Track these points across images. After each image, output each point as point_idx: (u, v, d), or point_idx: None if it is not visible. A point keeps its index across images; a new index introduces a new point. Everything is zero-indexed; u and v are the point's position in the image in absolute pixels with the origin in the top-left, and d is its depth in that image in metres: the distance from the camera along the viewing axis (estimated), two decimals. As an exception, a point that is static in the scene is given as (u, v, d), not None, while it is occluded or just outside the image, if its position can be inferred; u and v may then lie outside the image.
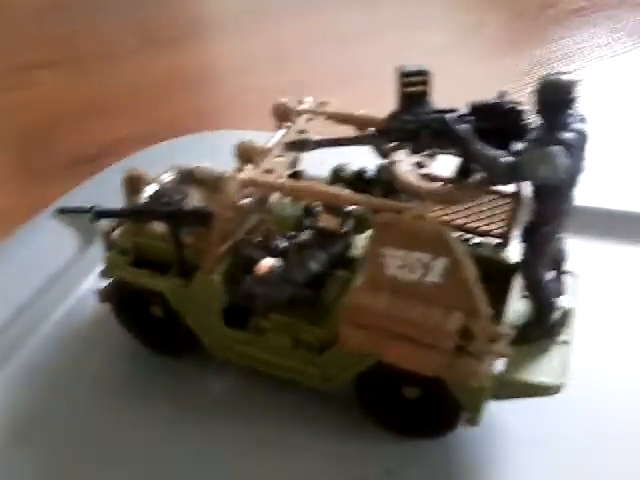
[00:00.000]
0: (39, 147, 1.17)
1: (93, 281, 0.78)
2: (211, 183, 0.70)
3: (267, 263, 0.59)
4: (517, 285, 0.59)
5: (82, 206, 0.62)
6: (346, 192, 0.54)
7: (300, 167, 0.67)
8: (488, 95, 0.53)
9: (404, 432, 0.62)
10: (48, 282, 0.80)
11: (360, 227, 0.62)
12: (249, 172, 0.56)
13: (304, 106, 0.66)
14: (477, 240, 0.67)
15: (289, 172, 0.65)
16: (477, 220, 0.67)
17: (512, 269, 0.60)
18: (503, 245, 0.64)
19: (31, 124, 1.23)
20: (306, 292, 0.62)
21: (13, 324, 0.74)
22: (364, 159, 0.63)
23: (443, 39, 1.50)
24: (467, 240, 0.68)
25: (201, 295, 0.63)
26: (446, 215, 0.68)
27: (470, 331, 0.51)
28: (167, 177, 0.72)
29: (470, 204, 0.66)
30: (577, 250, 0.62)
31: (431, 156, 0.57)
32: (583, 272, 0.64)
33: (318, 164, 0.65)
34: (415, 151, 0.54)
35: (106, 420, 0.65)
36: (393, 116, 0.53)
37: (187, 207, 0.61)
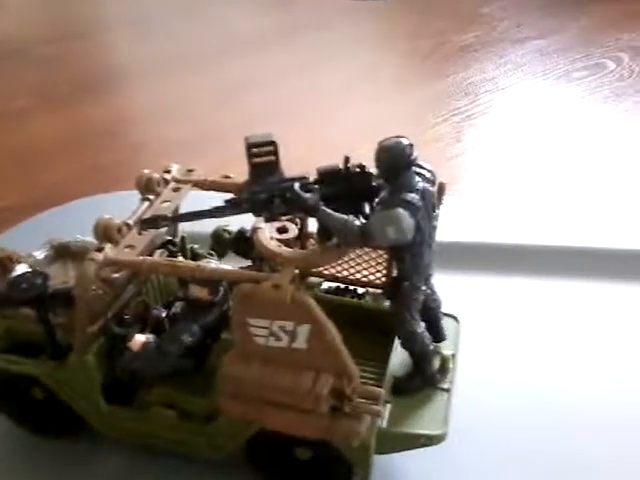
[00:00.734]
0: None
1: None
2: (82, 258, 0.68)
3: (139, 339, 0.58)
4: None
5: None
6: (205, 266, 0.53)
7: (171, 235, 0.66)
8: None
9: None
10: None
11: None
12: (108, 251, 0.55)
13: (170, 175, 0.66)
14: (360, 291, 0.69)
15: (163, 241, 0.65)
16: (359, 271, 0.69)
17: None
18: (385, 295, 0.66)
19: None
20: (186, 363, 0.61)
21: None
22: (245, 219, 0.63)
23: (338, 81, 1.54)
24: (351, 291, 0.70)
25: (77, 376, 0.61)
26: (328, 267, 0.69)
27: (343, 392, 0.52)
28: (40, 254, 0.70)
29: (352, 256, 0.67)
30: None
31: (292, 221, 0.58)
32: (465, 312, 0.67)
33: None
34: (269, 219, 0.54)
35: None
36: (244, 187, 0.54)
37: (49, 290, 0.59)
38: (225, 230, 0.69)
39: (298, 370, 0.52)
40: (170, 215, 0.57)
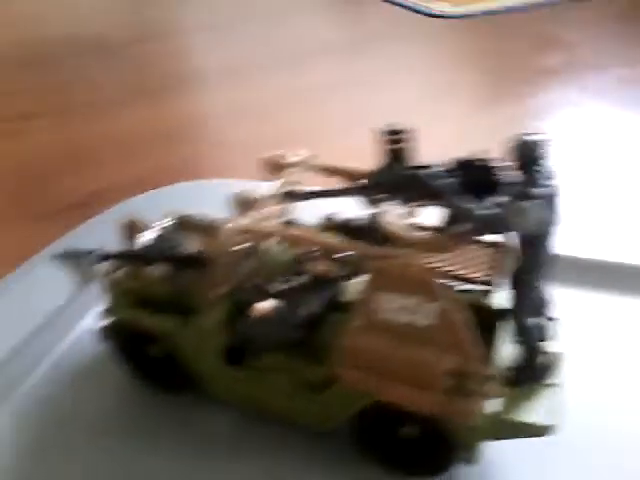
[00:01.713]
0: (30, 194, 1.19)
1: (90, 321, 0.80)
2: (205, 230, 0.73)
3: (265, 305, 0.62)
4: (503, 330, 0.63)
5: (84, 249, 0.65)
6: (337, 240, 0.57)
7: (292, 216, 0.70)
8: (459, 153, 0.58)
9: (402, 470, 0.64)
10: (45, 322, 0.81)
11: (352, 272, 0.66)
12: (244, 220, 0.60)
13: (294, 159, 0.70)
14: (464, 287, 0.72)
15: (282, 221, 0.69)
16: (464, 268, 0.71)
17: (497, 314, 0.63)
18: (488, 292, 0.68)
19: (22, 172, 1.26)
20: (301, 333, 0.65)
21: (10, 363, 0.74)
22: (352, 209, 0.67)
23: (414, 98, 1.58)
24: (455, 287, 0.72)
25: (201, 336, 0.65)
26: (435, 263, 0.72)
27: (462, 372, 0.55)
28: (163, 223, 0.75)
29: (457, 253, 0.70)
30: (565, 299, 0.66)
31: (418, 207, 0.61)
32: (574, 320, 0.68)
33: (308, 213, 0.69)
34: (401, 203, 0.58)
35: (108, 458, 0.65)
36: (378, 171, 0.58)
37: (184, 252, 0.64)
38: (334, 218, 0.73)
39: (421, 346, 0.55)
40: (306, 191, 0.61)
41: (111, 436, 0.68)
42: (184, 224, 0.75)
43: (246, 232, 0.60)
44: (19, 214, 1.13)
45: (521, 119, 1.46)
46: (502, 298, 0.64)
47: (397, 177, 0.54)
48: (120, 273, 0.71)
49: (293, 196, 0.59)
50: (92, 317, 0.81)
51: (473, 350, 0.55)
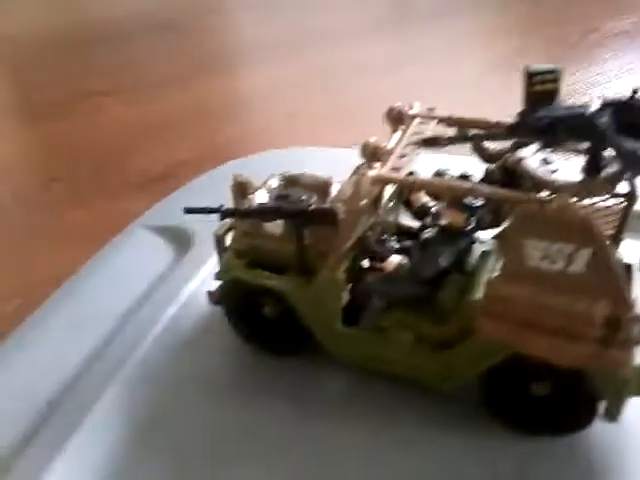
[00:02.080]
0: (110, 168, 1.20)
1: (194, 287, 0.80)
2: (317, 188, 0.72)
3: (393, 260, 0.60)
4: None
5: (208, 206, 0.63)
6: (481, 187, 0.55)
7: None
8: None
9: (533, 430, 0.62)
10: (148, 290, 0.81)
11: (485, 223, 0.64)
12: (380, 170, 0.58)
13: (415, 110, 0.68)
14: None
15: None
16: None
17: (626, 267, 0.60)
18: (615, 244, 0.65)
19: (100, 147, 1.27)
20: (425, 290, 0.63)
21: (120, 333, 0.74)
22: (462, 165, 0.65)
23: (480, 65, 1.54)
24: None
25: (323, 294, 0.63)
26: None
27: (615, 320, 0.52)
28: (273, 183, 0.74)
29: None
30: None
31: (555, 153, 0.58)
32: None
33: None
34: (545, 147, 0.55)
35: (223, 421, 0.65)
36: (523, 114, 0.55)
37: (313, 207, 0.62)
38: (445, 173, 0.70)
39: (573, 294, 0.53)
40: (448, 137, 0.59)
41: (225, 399, 0.67)
42: (294, 184, 0.73)
43: (383, 182, 0.58)
44: (102, 190, 1.14)
45: (594, 84, 1.41)
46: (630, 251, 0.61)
47: (549, 117, 0.52)
48: (235, 233, 0.70)
49: (435, 142, 0.57)
50: (195, 283, 0.81)
51: (628, 297, 0.52)
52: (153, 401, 0.67)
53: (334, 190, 0.70)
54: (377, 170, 0.58)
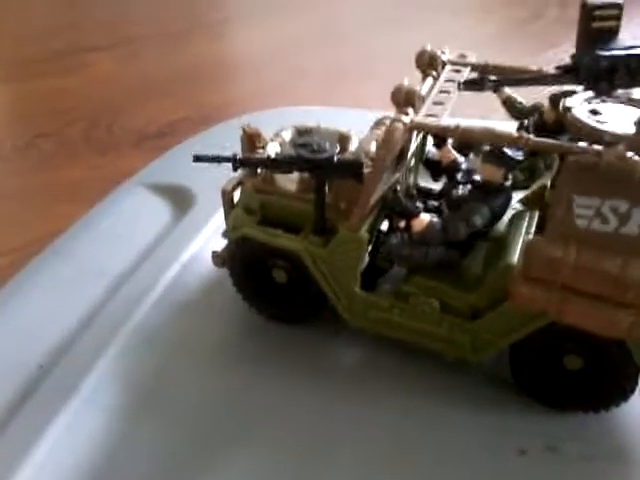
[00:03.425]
0: (104, 125, 1.13)
1: (196, 248, 0.74)
2: (336, 142, 0.65)
3: (424, 218, 0.55)
4: None
5: (220, 155, 0.57)
6: (529, 136, 0.49)
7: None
8: None
9: (564, 405, 0.57)
10: (146, 250, 0.75)
11: (518, 183, 0.59)
12: (414, 117, 0.52)
13: (447, 57, 0.62)
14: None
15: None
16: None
17: None
18: None
19: (93, 104, 1.19)
20: (454, 255, 0.58)
21: (115, 294, 0.68)
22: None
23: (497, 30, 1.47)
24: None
25: (342, 254, 0.58)
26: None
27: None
28: (286, 136, 0.68)
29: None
30: None
31: (605, 102, 0.53)
32: None
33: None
34: (600, 93, 0.50)
35: (225, 388, 0.60)
36: (579, 54, 0.49)
37: (338, 157, 0.56)
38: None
39: (626, 258, 0.48)
40: (492, 78, 0.53)
41: (228, 367, 0.62)
42: (309, 136, 0.67)
43: (419, 129, 0.53)
44: (94, 148, 1.07)
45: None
46: None
47: (609, 57, 0.46)
48: (245, 189, 0.64)
49: (480, 84, 0.51)
50: (196, 245, 0.75)
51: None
52: (151, 366, 0.61)
53: (353, 145, 0.64)
54: (412, 117, 0.52)
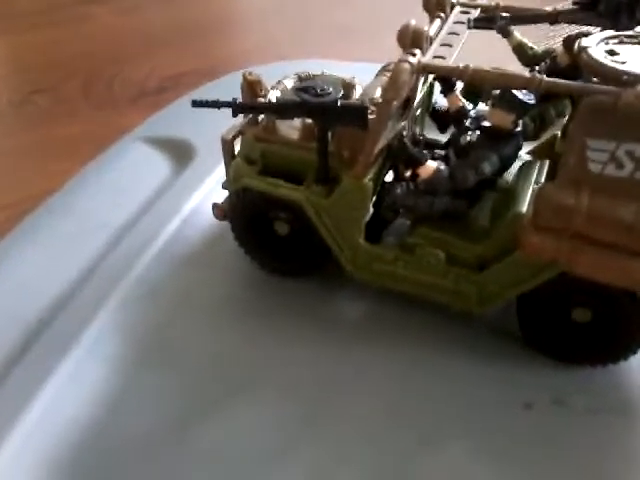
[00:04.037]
0: (104, 79, 1.10)
1: (196, 201, 0.72)
2: (343, 84, 0.63)
3: (431, 165, 0.53)
4: None
5: (219, 100, 0.55)
6: (542, 77, 0.47)
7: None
8: None
9: (572, 359, 0.56)
10: (146, 203, 0.73)
11: (528, 132, 0.56)
12: (421, 58, 0.49)
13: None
14: None
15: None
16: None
17: None
18: None
19: (93, 57, 1.16)
20: (460, 205, 0.56)
21: (115, 248, 0.67)
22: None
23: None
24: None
25: (347, 203, 0.56)
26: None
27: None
28: (288, 83, 0.65)
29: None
30: None
31: (621, 43, 0.50)
32: None
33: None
34: (620, 28, 0.47)
35: (226, 343, 0.59)
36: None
37: (342, 102, 0.53)
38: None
39: (640, 204, 0.46)
40: (505, 15, 0.51)
41: (230, 320, 0.61)
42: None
43: (426, 71, 0.50)
44: (91, 103, 1.05)
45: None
46: None
47: None
48: (245, 139, 0.62)
49: (491, 21, 0.48)
50: (200, 195, 0.73)
51: None
52: (152, 318, 0.60)
53: (358, 92, 0.62)
54: (419, 58, 0.49)
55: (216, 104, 0.54)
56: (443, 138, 0.65)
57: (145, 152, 0.81)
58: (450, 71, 0.49)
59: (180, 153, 0.80)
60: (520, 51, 0.64)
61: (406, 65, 0.48)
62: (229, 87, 0.96)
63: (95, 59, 1.17)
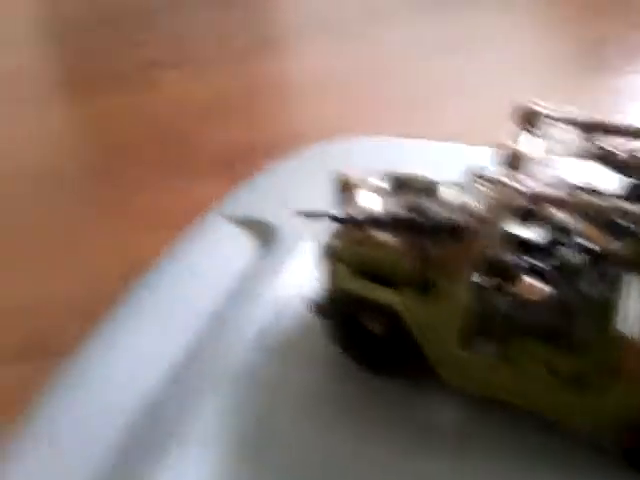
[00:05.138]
0: (174, 147, 1.14)
1: (283, 288, 0.73)
2: (423, 191, 0.65)
3: (537, 285, 0.54)
4: None
5: (322, 210, 0.57)
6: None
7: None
8: None
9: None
10: (233, 289, 0.75)
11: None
12: (534, 183, 0.51)
13: (547, 111, 0.61)
14: None
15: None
16: None
17: None
18: None
19: (163, 124, 1.21)
20: (563, 319, 0.56)
21: (209, 335, 0.69)
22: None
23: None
24: None
25: (441, 312, 0.57)
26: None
27: None
28: (375, 183, 0.67)
29: None
30: None
31: None
32: None
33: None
34: None
35: (310, 438, 0.59)
36: None
37: (440, 220, 0.55)
38: None
39: None
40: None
41: (317, 415, 0.62)
42: (401, 185, 0.67)
43: (538, 199, 0.51)
44: (165, 169, 1.09)
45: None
46: None
47: None
48: (340, 239, 0.64)
49: (607, 159, 0.49)
50: (281, 285, 0.75)
51: None
52: (247, 411, 0.61)
53: (441, 194, 0.63)
54: (529, 182, 0.50)
55: (318, 214, 0.56)
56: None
57: (227, 231, 0.83)
58: (560, 202, 0.50)
59: (262, 234, 0.81)
60: (605, 156, 0.65)
61: (512, 192, 0.50)
62: (307, 160, 0.99)
63: (164, 126, 1.21)
